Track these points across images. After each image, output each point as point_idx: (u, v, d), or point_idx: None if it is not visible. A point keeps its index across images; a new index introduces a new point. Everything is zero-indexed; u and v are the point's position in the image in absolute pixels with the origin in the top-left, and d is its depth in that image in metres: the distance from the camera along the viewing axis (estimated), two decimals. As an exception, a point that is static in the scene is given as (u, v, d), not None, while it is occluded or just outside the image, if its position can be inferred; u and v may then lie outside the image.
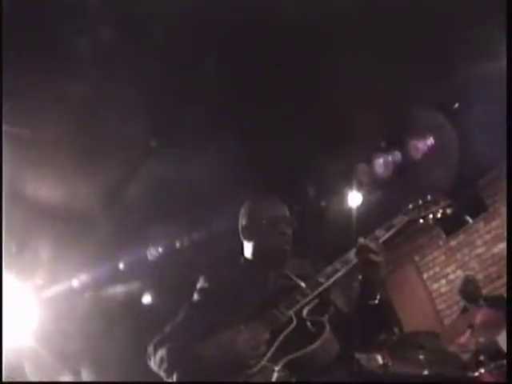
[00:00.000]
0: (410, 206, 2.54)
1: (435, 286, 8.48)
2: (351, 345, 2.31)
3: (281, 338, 2.12)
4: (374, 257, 2.26)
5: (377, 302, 2.31)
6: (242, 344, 2.10)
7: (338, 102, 5.27)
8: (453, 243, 8.38)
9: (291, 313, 2.19)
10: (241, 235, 2.72)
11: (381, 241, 2.37)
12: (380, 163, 6.56)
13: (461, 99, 6.21)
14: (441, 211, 2.52)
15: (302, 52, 4.77)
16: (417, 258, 8.77)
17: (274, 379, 1.99)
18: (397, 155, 6.34)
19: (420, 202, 2.55)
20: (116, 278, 7.02)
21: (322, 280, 2.29)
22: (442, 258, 8.46)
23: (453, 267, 8.29)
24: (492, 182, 7.88)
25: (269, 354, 2.08)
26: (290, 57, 4.78)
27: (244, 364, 2.06)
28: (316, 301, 2.26)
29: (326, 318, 2.17)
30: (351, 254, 2.34)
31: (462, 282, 6.46)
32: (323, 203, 7.18)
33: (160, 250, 7.17)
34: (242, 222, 2.71)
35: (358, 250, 2.30)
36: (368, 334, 2.45)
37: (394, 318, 8.06)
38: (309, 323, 2.16)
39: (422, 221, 2.50)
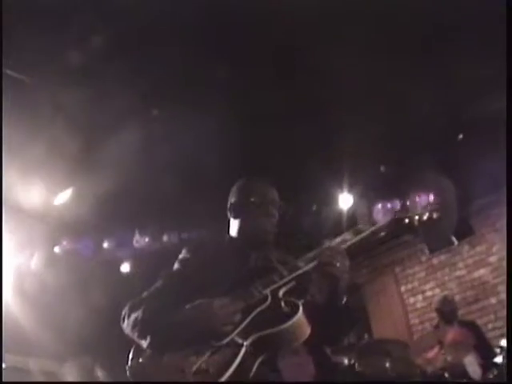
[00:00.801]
0: (398, 205, 2.57)
1: (411, 300, 8.51)
2: (321, 336, 2.30)
3: (253, 314, 2.15)
4: (329, 269, 2.26)
5: (343, 303, 2.32)
6: (217, 310, 2.13)
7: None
8: (435, 261, 8.41)
9: (267, 291, 2.21)
10: (228, 212, 2.73)
11: (365, 234, 2.41)
12: (378, 210, 6.57)
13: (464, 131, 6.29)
14: (427, 214, 2.53)
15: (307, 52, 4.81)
16: (397, 270, 8.78)
17: (241, 354, 2.02)
18: (396, 204, 6.33)
19: (408, 202, 2.57)
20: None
21: (301, 264, 2.32)
22: (423, 274, 8.49)
23: (431, 284, 8.32)
24: (483, 208, 7.91)
25: (240, 329, 2.10)
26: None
27: (216, 331, 2.09)
28: (293, 284, 2.29)
29: (301, 302, 2.17)
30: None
31: (441, 301, 6.52)
32: (314, 206, 7.19)
33: (146, 239, 7.21)
34: (232, 199, 2.72)
35: (318, 258, 2.31)
36: (335, 331, 2.45)
37: (366, 324, 8.11)
38: (283, 303, 2.18)
39: (407, 220, 2.52)
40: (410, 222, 2.53)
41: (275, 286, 2.24)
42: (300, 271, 2.28)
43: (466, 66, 4.96)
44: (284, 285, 2.25)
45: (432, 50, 4.91)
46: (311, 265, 2.30)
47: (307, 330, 2.15)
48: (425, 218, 2.55)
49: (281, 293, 2.23)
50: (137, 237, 7.14)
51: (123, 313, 2.32)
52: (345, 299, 2.32)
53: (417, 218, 2.54)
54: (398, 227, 2.52)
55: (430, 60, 5.02)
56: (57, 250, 7.03)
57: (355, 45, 4.58)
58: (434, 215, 2.56)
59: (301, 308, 2.13)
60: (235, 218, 2.69)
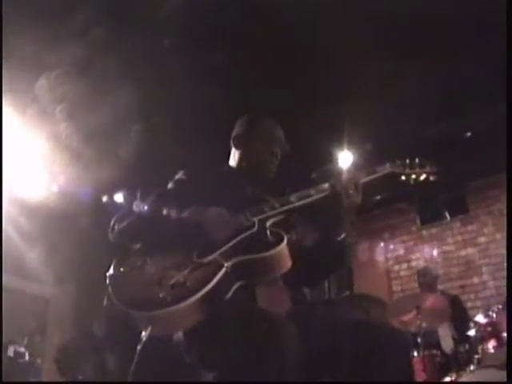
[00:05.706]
0: (397, 161, 2.58)
1: (396, 267, 8.60)
2: (300, 274, 2.32)
3: (239, 238, 2.18)
4: (341, 197, 2.33)
5: (339, 239, 2.36)
6: (208, 221, 2.16)
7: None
8: (425, 233, 8.48)
9: (255, 219, 2.24)
10: (232, 142, 2.72)
11: (366, 179, 2.45)
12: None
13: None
14: (424, 175, 2.55)
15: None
16: (386, 236, 8.86)
17: (220, 274, 2.05)
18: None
19: (407, 161, 2.58)
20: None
21: (293, 199, 2.35)
22: (411, 243, 8.57)
23: (417, 255, 8.42)
24: (481, 189, 7.96)
25: (223, 249, 2.14)
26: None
27: (204, 239, 2.13)
28: (282, 217, 2.32)
29: (286, 236, 2.21)
30: (327, 185, 2.40)
31: (421, 271, 6.60)
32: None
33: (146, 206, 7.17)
34: (238, 129, 2.72)
35: (332, 180, 2.37)
36: (319, 270, 2.50)
37: (349, 282, 8.15)
38: (268, 232, 2.22)
39: (403, 177, 2.54)
40: (406, 180, 2.56)
41: (264, 215, 2.27)
42: (290, 206, 2.33)
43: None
44: (273, 216, 2.29)
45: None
46: (322, 194, 2.36)
47: (288, 263, 2.19)
48: (421, 178, 2.57)
49: (268, 223, 2.26)
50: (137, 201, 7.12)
51: (111, 222, 2.32)
52: (343, 236, 2.37)
53: (413, 176, 2.57)
54: (394, 181, 2.55)
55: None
56: (54, 188, 7.08)
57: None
58: (431, 178, 2.59)
59: (285, 240, 2.17)
60: (237, 148, 2.69)
